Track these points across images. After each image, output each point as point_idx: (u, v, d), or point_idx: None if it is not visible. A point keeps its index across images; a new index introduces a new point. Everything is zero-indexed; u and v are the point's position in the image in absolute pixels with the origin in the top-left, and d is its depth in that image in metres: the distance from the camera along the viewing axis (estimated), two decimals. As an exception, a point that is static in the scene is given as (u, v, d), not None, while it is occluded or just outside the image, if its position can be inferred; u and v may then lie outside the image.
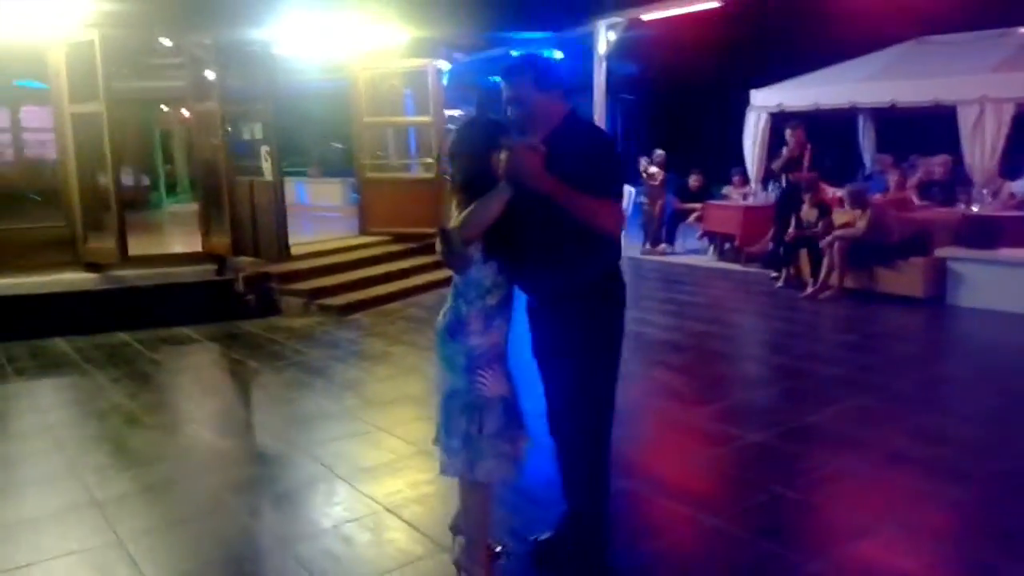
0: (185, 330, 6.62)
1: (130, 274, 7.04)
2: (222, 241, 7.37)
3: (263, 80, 7.20)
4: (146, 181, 16.28)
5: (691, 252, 10.78)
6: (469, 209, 2.32)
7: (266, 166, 7.18)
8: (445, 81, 14.12)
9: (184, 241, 8.63)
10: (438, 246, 2.40)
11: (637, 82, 18.11)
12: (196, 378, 5.74)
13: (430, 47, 9.39)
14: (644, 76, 17.70)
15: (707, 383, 5.14)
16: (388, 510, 3.23)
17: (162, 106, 18.77)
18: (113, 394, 4.98)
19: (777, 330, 6.74)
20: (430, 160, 9.27)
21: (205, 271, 7.31)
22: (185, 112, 18.97)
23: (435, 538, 2.95)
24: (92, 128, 6.82)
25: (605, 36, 10.43)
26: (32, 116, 11.65)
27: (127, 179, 15.63)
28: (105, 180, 7.07)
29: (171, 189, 18.01)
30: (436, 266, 8.80)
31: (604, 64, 10.61)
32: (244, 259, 7.47)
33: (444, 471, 2.51)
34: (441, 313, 2.51)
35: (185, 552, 2.99)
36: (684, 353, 5.81)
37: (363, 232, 9.45)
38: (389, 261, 8.59)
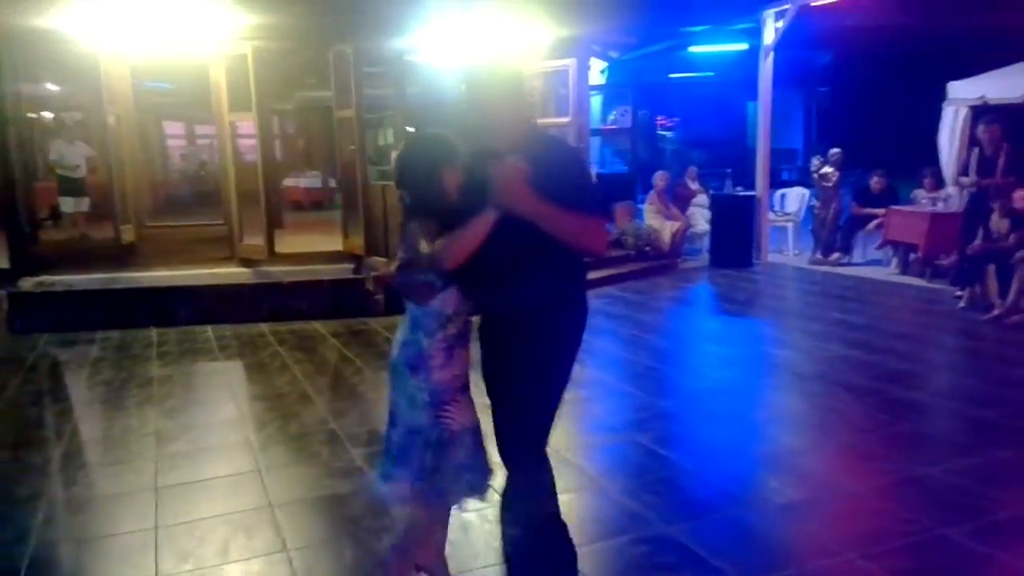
0: (315, 324, 7.13)
1: (277, 270, 7.70)
2: (358, 241, 7.86)
3: (395, 88, 7.57)
4: (332, 183, 17.68)
5: (872, 263, 9.80)
6: (452, 236, 2.20)
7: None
8: (604, 79, 14.07)
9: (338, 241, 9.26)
10: (382, 279, 2.33)
11: (830, 72, 16.75)
12: (303, 371, 6.13)
13: (576, 46, 9.32)
14: (836, 65, 16.34)
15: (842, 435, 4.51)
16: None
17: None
18: (236, 381, 5.50)
19: (945, 363, 5.93)
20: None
21: (343, 269, 7.83)
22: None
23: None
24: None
25: (772, 25, 9.76)
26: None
27: (313, 181, 17.21)
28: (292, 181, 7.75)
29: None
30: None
31: (771, 56, 9.94)
32: (378, 259, 7.91)
33: (390, 503, 2.47)
34: (396, 344, 2.39)
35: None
36: (816, 384, 5.26)
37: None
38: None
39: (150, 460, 4.03)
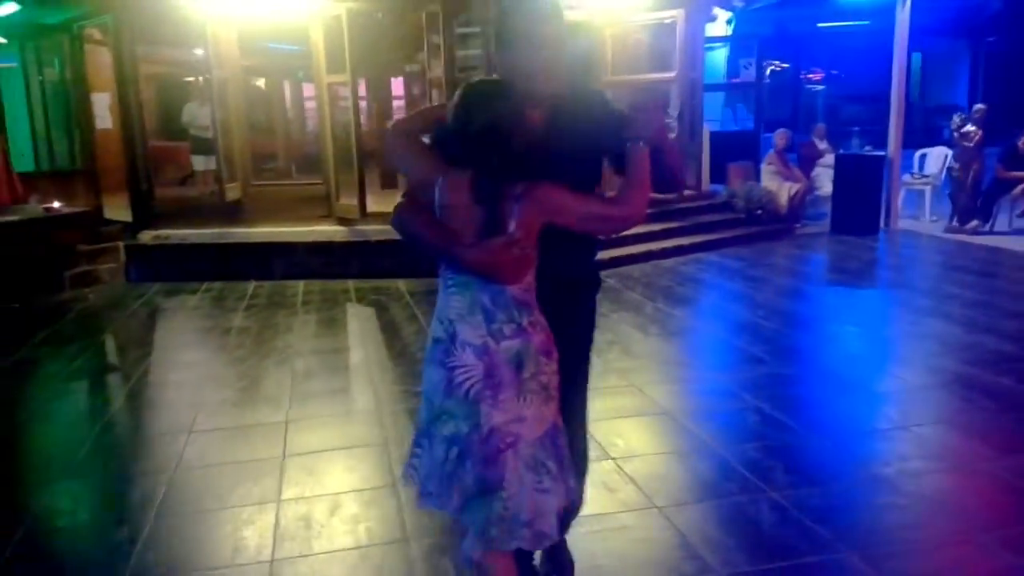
0: (398, 282, 7.34)
1: (370, 228, 7.96)
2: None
3: (484, 49, 7.54)
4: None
5: (1017, 233, 8.79)
6: (628, 182, 1.97)
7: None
8: (731, 31, 13.26)
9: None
10: (489, 251, 1.84)
11: (1001, 21, 14.91)
12: (374, 327, 6.32)
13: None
14: (1009, 12, 14.51)
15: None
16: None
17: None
18: (304, 336, 5.79)
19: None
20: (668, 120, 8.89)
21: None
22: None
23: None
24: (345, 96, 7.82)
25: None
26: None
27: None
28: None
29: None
30: (666, 235, 8.56)
31: (908, 3, 8.98)
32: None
33: None
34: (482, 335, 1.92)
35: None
36: (942, 372, 4.82)
37: (604, 196, 9.46)
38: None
39: (188, 405, 4.35)
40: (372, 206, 8.05)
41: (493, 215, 1.86)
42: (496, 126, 1.88)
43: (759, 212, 9.62)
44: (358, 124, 7.82)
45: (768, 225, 9.56)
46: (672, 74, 8.79)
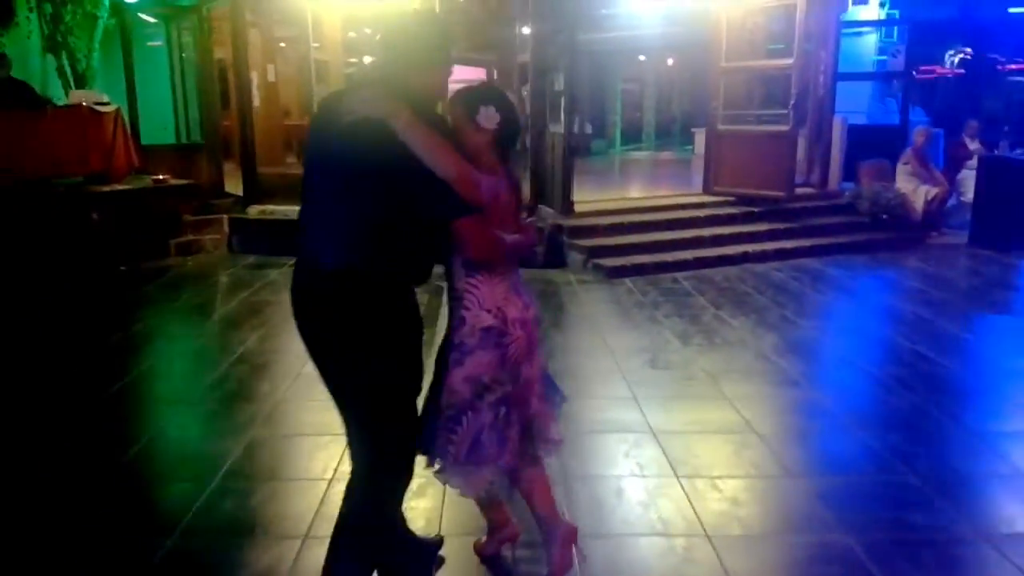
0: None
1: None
2: (525, 191, 7.93)
3: (566, 31, 7.38)
4: (588, 129, 17.81)
5: None
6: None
7: (562, 118, 7.43)
8: (883, 15, 12.04)
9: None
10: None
11: None
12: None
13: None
14: None
15: None
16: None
17: (640, 56, 20.25)
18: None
19: None
20: (783, 111, 8.29)
21: (512, 217, 7.97)
22: (670, 61, 20.28)
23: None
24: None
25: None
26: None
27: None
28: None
29: (632, 137, 19.38)
30: (770, 236, 8.04)
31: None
32: (546, 209, 7.91)
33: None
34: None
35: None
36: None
37: (707, 191, 9.03)
38: (709, 225, 8.14)
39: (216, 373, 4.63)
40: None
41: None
42: (517, 123, 2.34)
43: (884, 217, 8.79)
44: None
45: (895, 232, 8.72)
46: (790, 61, 8.17)
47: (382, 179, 2.00)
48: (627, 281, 6.99)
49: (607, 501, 3.10)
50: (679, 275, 7.16)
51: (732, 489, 3.16)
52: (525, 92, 7.99)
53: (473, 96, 2.22)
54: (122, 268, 7.41)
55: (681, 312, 5.98)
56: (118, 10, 9.22)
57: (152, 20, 10.15)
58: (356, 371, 2.14)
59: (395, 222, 2.06)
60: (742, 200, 8.61)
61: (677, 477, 3.26)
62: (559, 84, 7.62)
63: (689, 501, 3.05)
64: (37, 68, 9.18)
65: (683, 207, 8.52)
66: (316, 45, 8.52)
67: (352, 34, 10.92)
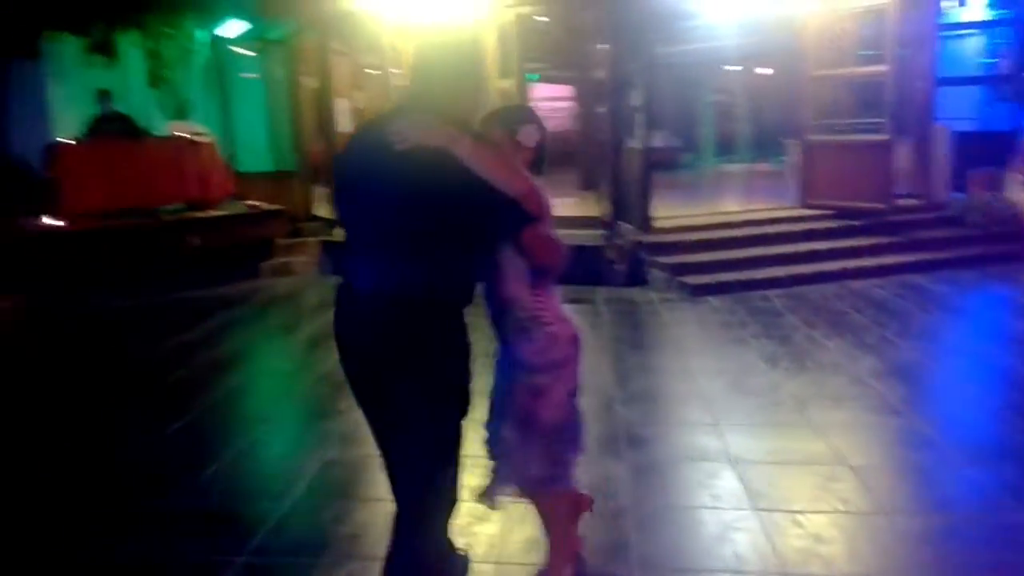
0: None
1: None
2: (604, 207, 7.84)
3: (644, 46, 7.28)
4: (677, 142, 17.52)
5: None
6: None
7: (639, 133, 7.32)
8: (992, 14, 11.26)
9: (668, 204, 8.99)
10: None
11: None
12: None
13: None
14: None
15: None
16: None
17: (730, 67, 19.85)
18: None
19: None
20: (879, 119, 7.90)
21: (591, 236, 7.86)
22: (759, 71, 19.81)
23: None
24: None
25: None
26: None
27: (656, 140, 17.26)
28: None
29: (725, 149, 18.96)
30: (871, 251, 7.66)
31: None
32: (626, 227, 7.77)
33: None
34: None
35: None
36: None
37: (801, 203, 8.69)
38: (804, 240, 7.81)
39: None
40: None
41: None
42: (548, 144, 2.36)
43: (996, 229, 8.21)
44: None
45: (1007, 245, 8.13)
46: (884, 67, 7.79)
47: (445, 204, 1.98)
48: (712, 299, 6.77)
49: (677, 533, 2.96)
50: (770, 293, 6.88)
51: (815, 525, 2.96)
52: (602, 109, 7.92)
53: (513, 116, 2.26)
54: (218, 289, 7.74)
55: (770, 332, 5.73)
56: (214, 45, 9.72)
57: (246, 53, 10.66)
58: (420, 397, 2.10)
59: (453, 245, 2.05)
60: (839, 213, 8.23)
61: (755, 510, 3.09)
62: (636, 99, 7.49)
63: (766, 536, 2.88)
64: (141, 101, 9.78)
65: (775, 221, 8.21)
66: (397, 71, 8.71)
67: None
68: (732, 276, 7.16)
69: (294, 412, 4.47)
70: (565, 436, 2.36)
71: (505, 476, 2.39)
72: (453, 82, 2.10)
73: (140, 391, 4.95)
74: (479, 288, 2.22)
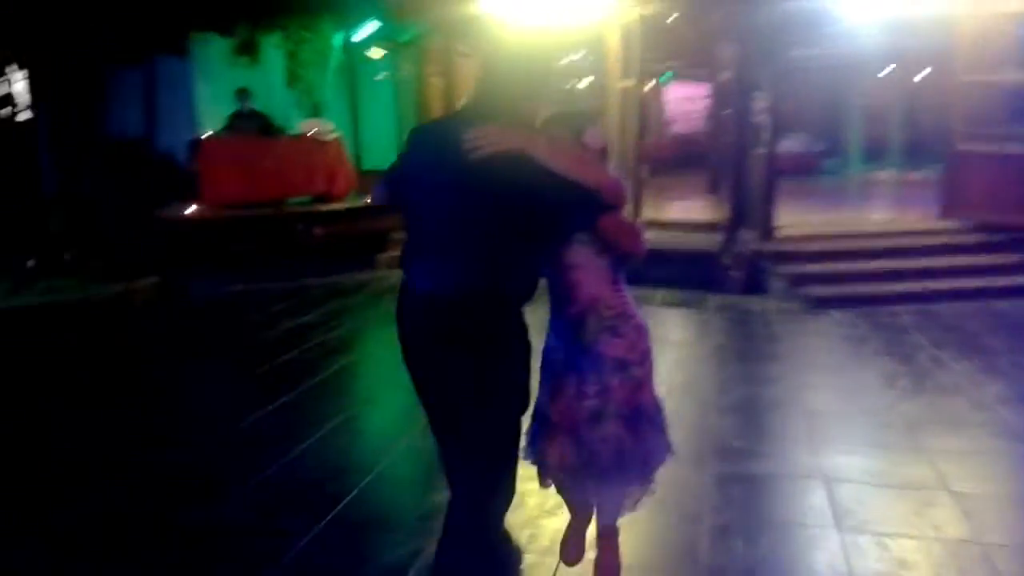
0: (659, 292, 7.26)
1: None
2: (724, 211, 7.64)
3: (776, 49, 7.05)
4: (819, 147, 16.74)
5: None
6: None
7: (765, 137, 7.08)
8: None
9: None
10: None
11: None
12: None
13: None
14: None
15: None
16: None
17: (882, 70, 18.81)
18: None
19: None
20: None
21: (709, 241, 7.68)
22: (917, 75, 18.66)
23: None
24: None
25: None
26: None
27: (796, 145, 16.56)
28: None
29: (874, 155, 17.95)
30: (1018, 269, 7.08)
31: None
32: (747, 233, 7.55)
33: None
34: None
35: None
36: None
37: (944, 215, 8.11)
38: (943, 254, 7.31)
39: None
40: (652, 213, 8.07)
41: None
42: None
43: None
44: (640, 128, 7.91)
45: None
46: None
47: (524, 206, 2.01)
48: (834, 313, 6.45)
49: (751, 547, 2.86)
50: (899, 309, 6.47)
51: (901, 549, 2.79)
52: (728, 111, 7.73)
53: (577, 119, 2.30)
54: (331, 278, 8.13)
55: (892, 350, 5.40)
56: (346, 47, 10.23)
57: (377, 55, 11.15)
58: (480, 396, 2.13)
59: (521, 246, 2.09)
60: (984, 227, 7.62)
61: (839, 530, 2.94)
62: (763, 102, 7.26)
63: (845, 557, 2.74)
64: (280, 100, 10.45)
65: (912, 233, 7.72)
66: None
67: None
68: (859, 289, 6.80)
69: (391, 396, 4.65)
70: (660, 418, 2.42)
71: (605, 480, 2.36)
72: (521, 87, 2.13)
73: (255, 368, 5.31)
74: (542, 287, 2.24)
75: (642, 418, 2.33)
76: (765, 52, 7.26)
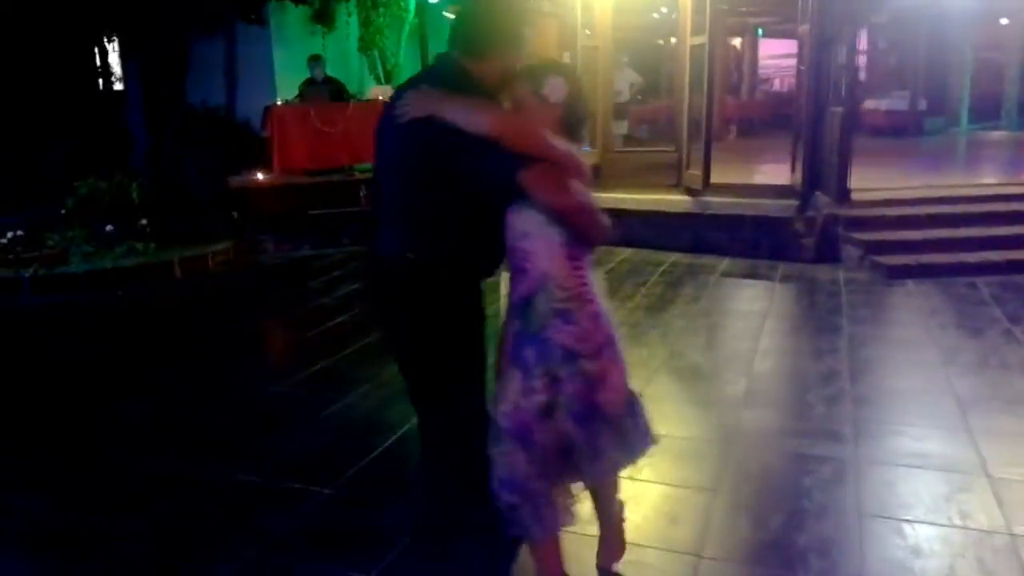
0: (724, 260, 7.06)
1: (717, 200, 7.74)
2: (797, 175, 7.33)
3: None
4: (921, 105, 15.68)
5: None
6: None
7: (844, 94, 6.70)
8: None
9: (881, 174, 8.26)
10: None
11: None
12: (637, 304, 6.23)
13: None
14: None
15: None
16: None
17: (1002, 20, 17.41)
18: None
19: None
20: None
21: (783, 206, 7.38)
22: None
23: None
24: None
25: None
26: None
27: (899, 103, 15.60)
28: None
29: (987, 114, 16.76)
30: None
31: None
32: (823, 198, 7.21)
33: None
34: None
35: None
36: None
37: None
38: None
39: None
40: (720, 177, 7.82)
41: None
42: (584, 103, 2.19)
43: None
44: (711, 87, 7.63)
45: None
46: None
47: (442, 172, 2.00)
48: (909, 283, 6.12)
49: (759, 530, 2.80)
50: (979, 280, 6.07)
51: (921, 536, 2.66)
52: (803, 67, 7.35)
53: (539, 70, 2.11)
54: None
55: (962, 323, 5.10)
56: (420, 10, 10.27)
57: (451, 17, 11.18)
58: (426, 364, 2.18)
59: (459, 213, 2.08)
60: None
61: (859, 515, 2.82)
62: (841, 57, 6.86)
63: (859, 544, 2.63)
64: (355, 66, 10.62)
65: (1004, 198, 7.20)
66: (587, 32, 8.66)
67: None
68: (938, 258, 6.43)
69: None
70: (636, 410, 2.21)
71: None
72: (472, 45, 2.09)
73: (307, 330, 5.50)
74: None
75: (597, 419, 2.08)
76: (846, 2, 6.85)
